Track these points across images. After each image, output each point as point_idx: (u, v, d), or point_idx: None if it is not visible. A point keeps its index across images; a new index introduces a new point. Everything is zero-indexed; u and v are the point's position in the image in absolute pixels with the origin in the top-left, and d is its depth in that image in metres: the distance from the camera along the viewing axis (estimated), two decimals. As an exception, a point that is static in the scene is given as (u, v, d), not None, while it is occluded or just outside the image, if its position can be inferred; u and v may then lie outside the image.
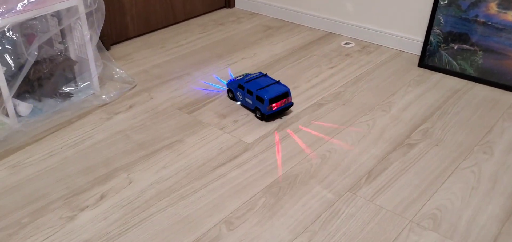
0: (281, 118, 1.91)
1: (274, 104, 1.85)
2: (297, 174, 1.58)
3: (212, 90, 2.14)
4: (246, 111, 1.96)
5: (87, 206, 1.46)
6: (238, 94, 2.00)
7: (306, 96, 2.07)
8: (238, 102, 2.01)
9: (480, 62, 2.15)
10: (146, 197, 1.50)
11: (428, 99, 2.02)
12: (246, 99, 1.95)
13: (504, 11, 2.07)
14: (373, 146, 1.72)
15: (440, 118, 1.88)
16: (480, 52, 2.15)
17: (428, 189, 1.50)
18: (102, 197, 1.50)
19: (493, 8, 2.09)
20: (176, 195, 1.50)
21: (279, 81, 1.95)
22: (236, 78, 2.03)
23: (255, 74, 2.02)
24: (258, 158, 1.67)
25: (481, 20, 2.13)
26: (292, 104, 1.93)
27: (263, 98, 1.84)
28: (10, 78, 1.81)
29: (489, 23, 2.11)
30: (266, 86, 1.90)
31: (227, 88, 2.10)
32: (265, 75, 2.00)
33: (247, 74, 2.04)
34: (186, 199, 1.48)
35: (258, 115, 1.91)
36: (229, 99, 2.05)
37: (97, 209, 1.45)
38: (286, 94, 1.89)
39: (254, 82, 1.94)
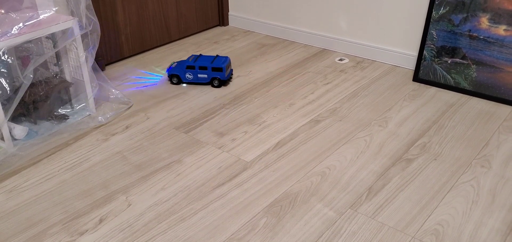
0: (278, 134, 1.91)
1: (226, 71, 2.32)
2: (297, 192, 1.58)
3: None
4: (245, 129, 1.96)
5: (86, 230, 1.44)
6: (187, 76, 2.34)
7: (303, 113, 2.07)
8: (184, 85, 2.35)
9: (474, 75, 2.18)
10: (146, 219, 1.48)
11: (424, 114, 2.04)
12: (199, 76, 2.32)
13: (495, 26, 2.10)
14: (372, 161, 1.72)
15: (437, 132, 1.89)
16: (474, 66, 2.18)
17: (428, 204, 1.50)
18: (101, 221, 1.48)
19: (484, 22, 2.13)
20: (176, 217, 1.49)
21: (217, 55, 2.37)
22: (175, 65, 2.38)
23: (192, 57, 2.39)
24: (258, 177, 1.66)
25: (474, 34, 2.15)
26: (232, 70, 2.44)
27: (221, 67, 2.28)
28: (5, 102, 1.79)
29: (481, 37, 2.14)
30: (213, 60, 2.32)
31: (169, 75, 2.38)
32: (200, 55, 2.39)
33: (180, 61, 2.39)
34: (186, 221, 1.47)
35: (216, 84, 2.31)
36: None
37: (96, 233, 1.43)
38: (230, 63, 2.38)
39: (200, 60, 2.33)
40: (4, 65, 1.81)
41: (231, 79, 2.37)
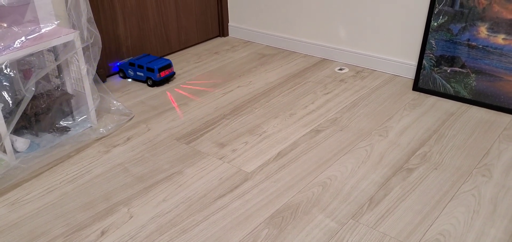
0: (275, 142, 1.91)
1: (162, 73, 2.44)
2: (298, 202, 1.58)
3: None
4: (246, 139, 1.97)
5: (88, 243, 1.44)
6: (129, 72, 2.54)
7: (303, 123, 2.08)
8: (129, 80, 2.55)
9: (473, 84, 2.19)
10: (147, 232, 1.48)
11: (425, 123, 2.04)
12: (137, 73, 2.49)
13: (494, 35, 2.11)
14: (373, 171, 1.73)
15: (437, 142, 1.90)
16: (473, 75, 2.19)
17: (430, 214, 1.51)
18: (103, 233, 1.48)
19: (483, 31, 2.14)
20: (178, 229, 1.49)
21: (160, 57, 2.51)
22: (125, 61, 2.59)
23: (141, 55, 2.59)
24: (259, 188, 1.66)
25: (472, 43, 2.17)
26: (174, 73, 2.54)
27: (153, 68, 2.42)
28: (7, 114, 1.80)
29: (480, 46, 2.15)
30: (153, 61, 2.47)
31: (118, 69, 2.61)
32: (148, 54, 2.57)
33: (132, 58, 2.60)
34: (187, 233, 1.47)
35: (149, 83, 2.47)
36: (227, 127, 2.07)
37: (98, 246, 1.43)
38: (169, 65, 2.49)
39: (142, 59, 2.51)
40: (7, 79, 1.82)
41: (170, 81, 2.52)
